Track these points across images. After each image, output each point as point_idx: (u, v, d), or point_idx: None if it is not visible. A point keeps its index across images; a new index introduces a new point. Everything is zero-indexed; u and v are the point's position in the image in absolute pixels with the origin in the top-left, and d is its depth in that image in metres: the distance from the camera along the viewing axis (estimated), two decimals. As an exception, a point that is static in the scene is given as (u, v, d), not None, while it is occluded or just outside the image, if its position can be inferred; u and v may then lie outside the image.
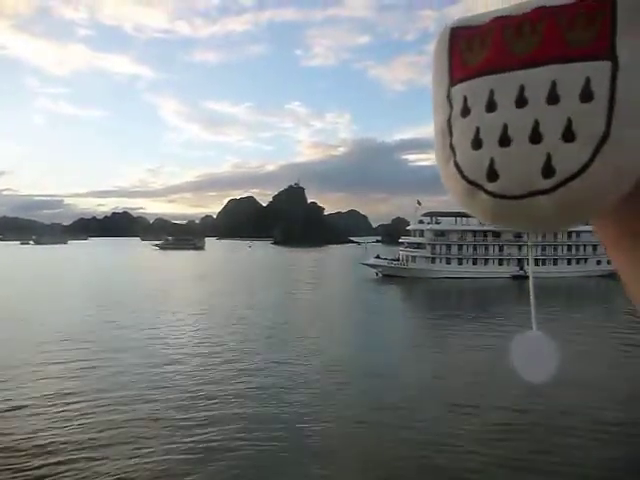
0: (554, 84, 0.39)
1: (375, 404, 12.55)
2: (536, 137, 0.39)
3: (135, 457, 9.55)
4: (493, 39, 0.42)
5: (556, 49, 0.40)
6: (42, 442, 10.09)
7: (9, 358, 16.27)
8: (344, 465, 9.64)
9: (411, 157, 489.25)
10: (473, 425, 11.24)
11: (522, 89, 0.40)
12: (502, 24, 0.42)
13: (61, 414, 11.59)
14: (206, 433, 10.68)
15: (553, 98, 0.39)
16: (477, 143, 0.42)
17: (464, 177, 0.43)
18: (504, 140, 0.40)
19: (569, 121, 0.38)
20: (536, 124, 0.39)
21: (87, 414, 11.60)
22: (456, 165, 0.43)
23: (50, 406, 12.07)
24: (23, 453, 9.65)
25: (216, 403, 12.50)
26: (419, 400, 12.83)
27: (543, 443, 10.31)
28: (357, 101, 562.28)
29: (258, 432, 10.78)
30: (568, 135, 0.38)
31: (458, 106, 0.44)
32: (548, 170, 0.39)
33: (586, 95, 0.38)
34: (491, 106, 0.42)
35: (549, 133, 0.39)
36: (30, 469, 9.07)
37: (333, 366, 15.99)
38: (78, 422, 11.13)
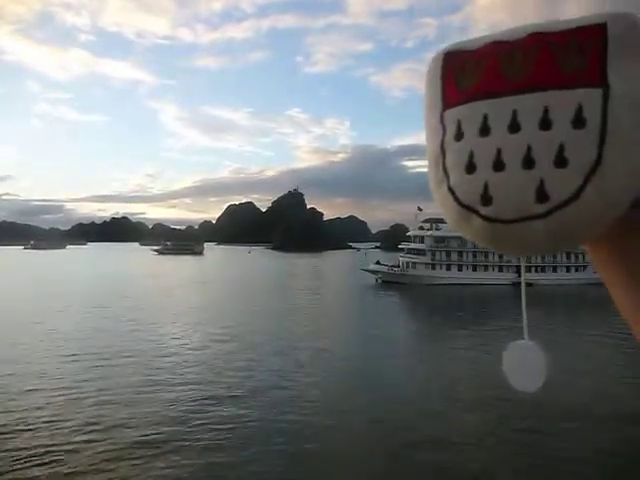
0: (546, 110, 0.40)
1: (374, 408, 12.56)
2: (529, 162, 0.40)
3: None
4: (487, 64, 0.43)
5: (549, 76, 0.40)
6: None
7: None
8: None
9: (411, 163, 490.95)
10: (471, 426, 11.28)
11: (515, 114, 0.41)
12: (496, 49, 0.43)
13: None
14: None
15: (545, 124, 0.39)
16: (471, 167, 0.42)
17: (458, 201, 0.43)
18: (498, 165, 0.41)
19: (561, 147, 0.39)
20: (529, 150, 0.40)
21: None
22: (450, 189, 0.43)
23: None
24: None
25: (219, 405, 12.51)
26: (417, 404, 12.84)
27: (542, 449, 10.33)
28: (357, 107, 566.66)
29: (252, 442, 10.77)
30: (560, 161, 0.39)
31: (452, 130, 0.44)
32: (541, 195, 0.39)
33: (578, 122, 0.39)
34: (484, 130, 0.42)
35: (541, 159, 0.39)
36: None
37: (333, 373, 16.01)
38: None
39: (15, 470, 9.20)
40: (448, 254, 49.00)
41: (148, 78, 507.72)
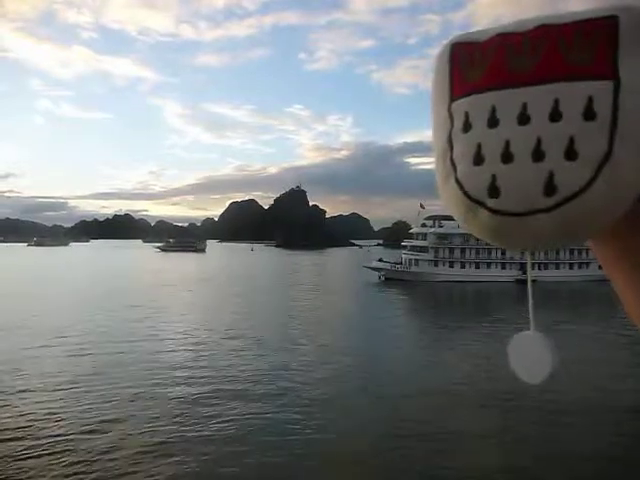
0: (557, 102, 0.39)
1: (377, 405, 12.65)
2: (538, 154, 0.39)
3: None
4: (494, 56, 0.42)
5: (558, 68, 0.40)
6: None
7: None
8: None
9: (413, 160, 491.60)
10: (473, 420, 11.35)
11: (524, 106, 0.40)
12: (504, 41, 0.42)
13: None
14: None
15: (555, 116, 0.39)
16: (479, 159, 0.42)
17: (465, 193, 0.42)
18: (506, 157, 0.40)
19: (571, 140, 0.39)
20: (538, 142, 0.39)
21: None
22: (457, 181, 0.43)
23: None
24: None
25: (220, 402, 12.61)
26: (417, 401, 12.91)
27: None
28: (359, 104, 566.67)
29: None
30: (570, 153, 0.39)
31: (459, 122, 0.43)
32: (550, 188, 0.39)
33: (588, 114, 0.38)
34: (493, 122, 0.41)
35: (551, 151, 0.39)
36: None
37: (336, 368, 16.10)
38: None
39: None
40: (451, 251, 48.99)
41: (150, 75, 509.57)
